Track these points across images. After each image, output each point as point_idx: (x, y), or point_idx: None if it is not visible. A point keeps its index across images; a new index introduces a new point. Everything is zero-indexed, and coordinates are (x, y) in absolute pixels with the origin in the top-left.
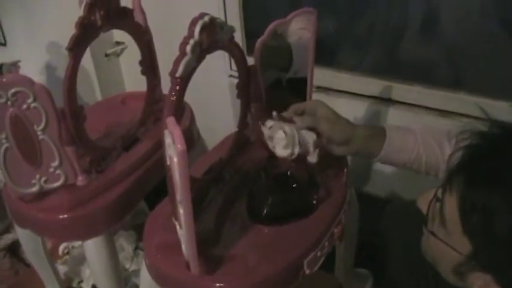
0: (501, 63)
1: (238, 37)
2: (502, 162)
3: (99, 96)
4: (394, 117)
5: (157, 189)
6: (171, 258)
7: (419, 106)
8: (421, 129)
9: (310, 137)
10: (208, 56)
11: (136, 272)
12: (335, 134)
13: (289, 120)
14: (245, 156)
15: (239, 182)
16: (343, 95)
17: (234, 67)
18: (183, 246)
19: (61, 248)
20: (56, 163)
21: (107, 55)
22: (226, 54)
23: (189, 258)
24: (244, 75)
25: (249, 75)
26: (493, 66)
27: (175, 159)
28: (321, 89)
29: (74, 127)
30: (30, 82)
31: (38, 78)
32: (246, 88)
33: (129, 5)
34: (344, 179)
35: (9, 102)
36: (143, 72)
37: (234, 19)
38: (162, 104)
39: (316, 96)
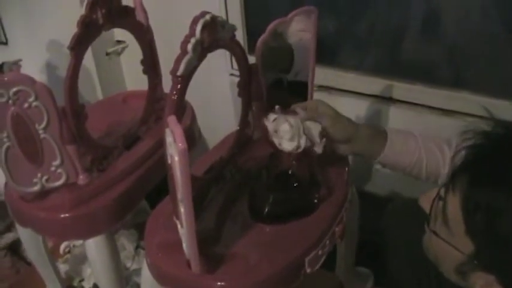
0: (505, 62)
1: (240, 36)
2: (506, 162)
3: (100, 95)
4: (396, 116)
5: (158, 188)
6: (172, 257)
7: (422, 105)
8: (422, 134)
9: (315, 128)
10: (209, 55)
11: (138, 271)
12: (337, 131)
13: (293, 113)
14: (246, 155)
15: (240, 180)
16: (345, 94)
17: (235, 66)
18: (184, 245)
19: (62, 246)
20: (57, 162)
21: (107, 54)
22: (227, 53)
23: (190, 257)
24: (246, 73)
25: (250, 74)
26: (497, 65)
27: (176, 158)
28: (323, 88)
29: (75, 126)
30: (31, 81)
31: (40, 77)
32: (247, 87)
33: (131, 4)
34: (345, 178)
35: (10, 101)
36: (144, 71)
37: (236, 18)
38: (163, 102)
39: (317, 95)
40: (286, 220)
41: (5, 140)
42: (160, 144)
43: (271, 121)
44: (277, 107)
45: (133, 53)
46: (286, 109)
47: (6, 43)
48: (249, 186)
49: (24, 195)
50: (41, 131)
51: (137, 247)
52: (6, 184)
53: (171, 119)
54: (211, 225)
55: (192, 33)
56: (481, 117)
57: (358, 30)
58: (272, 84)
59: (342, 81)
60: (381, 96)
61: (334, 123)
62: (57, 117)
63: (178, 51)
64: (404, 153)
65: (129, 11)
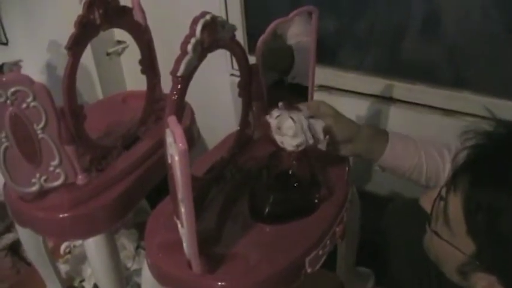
0: (505, 62)
1: (240, 36)
2: (508, 162)
3: (100, 95)
4: (396, 116)
5: (158, 187)
6: (173, 257)
7: (422, 105)
8: (422, 139)
9: (318, 124)
10: (209, 55)
11: (138, 271)
12: (339, 130)
13: (296, 109)
14: (246, 155)
15: (240, 180)
16: (346, 94)
17: (236, 66)
18: (185, 245)
19: (62, 247)
20: (55, 162)
21: (108, 54)
22: (227, 53)
23: (190, 257)
24: (246, 74)
25: (251, 74)
26: (497, 65)
27: (176, 158)
28: (323, 88)
29: (73, 126)
30: (29, 81)
31: (40, 77)
32: (247, 87)
33: (129, 4)
34: (345, 178)
35: (8, 102)
36: (143, 71)
37: (236, 18)
38: (163, 103)
39: (318, 95)
40: (287, 220)
41: (3, 140)
42: (160, 144)
43: (274, 117)
44: (280, 103)
45: (133, 53)
46: (289, 105)
47: (6, 43)
48: (249, 186)
49: (23, 195)
50: (39, 131)
51: (138, 247)
52: (5, 184)
53: (172, 120)
54: (212, 225)
55: (192, 33)
56: (482, 117)
57: (358, 30)
58: (272, 84)
59: (342, 81)
60: (382, 96)
61: (336, 123)
62: (55, 117)
63: (177, 51)
64: (405, 156)
65: (127, 11)
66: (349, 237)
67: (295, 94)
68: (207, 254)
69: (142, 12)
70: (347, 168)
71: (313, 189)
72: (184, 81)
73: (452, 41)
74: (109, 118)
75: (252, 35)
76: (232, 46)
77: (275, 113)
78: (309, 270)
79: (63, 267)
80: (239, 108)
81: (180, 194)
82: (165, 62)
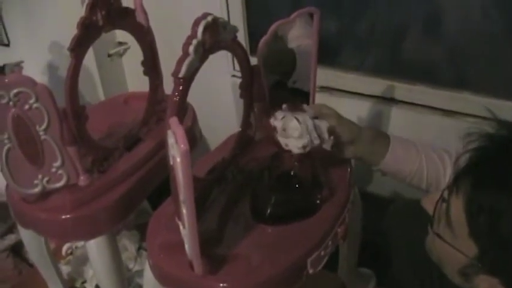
0: (506, 62)
1: (241, 37)
2: (510, 165)
3: (101, 96)
4: (397, 116)
5: (160, 189)
6: (175, 258)
7: (423, 106)
8: (422, 143)
9: (323, 124)
10: (211, 56)
11: (140, 272)
12: (342, 131)
13: (300, 110)
14: (248, 156)
15: (242, 181)
16: (346, 95)
17: (237, 67)
18: (186, 246)
19: (64, 248)
20: (58, 163)
21: (109, 55)
22: (229, 54)
23: (192, 258)
24: (248, 75)
25: (252, 75)
26: (498, 65)
27: (178, 159)
28: (324, 88)
29: (75, 127)
30: (32, 82)
31: (41, 78)
32: (249, 88)
33: (131, 5)
34: (347, 179)
35: (11, 103)
36: (145, 73)
37: (237, 19)
38: (165, 104)
39: (318, 96)
40: (288, 221)
41: (6, 141)
42: (162, 145)
43: (279, 119)
44: (284, 105)
45: (135, 54)
46: (293, 106)
47: (8, 44)
48: (251, 187)
49: (25, 196)
50: (41, 133)
51: (139, 248)
52: (7, 186)
53: (173, 121)
54: (214, 226)
55: (193, 34)
56: (482, 117)
57: (358, 31)
58: (274, 85)
59: (343, 82)
60: (382, 96)
61: (339, 124)
62: (57, 118)
63: (179, 52)
64: (406, 160)
65: (129, 12)
66: (351, 238)
67: (297, 95)
68: (208, 255)
69: (145, 13)
70: (349, 169)
71: (315, 190)
72: (185, 82)
73: (453, 41)
74: (111, 119)
75: (254, 36)
76: (234, 47)
77: (279, 114)
78: (310, 271)
79: (65, 269)
80: (241, 109)
81: (181, 195)
82: (167, 63)
